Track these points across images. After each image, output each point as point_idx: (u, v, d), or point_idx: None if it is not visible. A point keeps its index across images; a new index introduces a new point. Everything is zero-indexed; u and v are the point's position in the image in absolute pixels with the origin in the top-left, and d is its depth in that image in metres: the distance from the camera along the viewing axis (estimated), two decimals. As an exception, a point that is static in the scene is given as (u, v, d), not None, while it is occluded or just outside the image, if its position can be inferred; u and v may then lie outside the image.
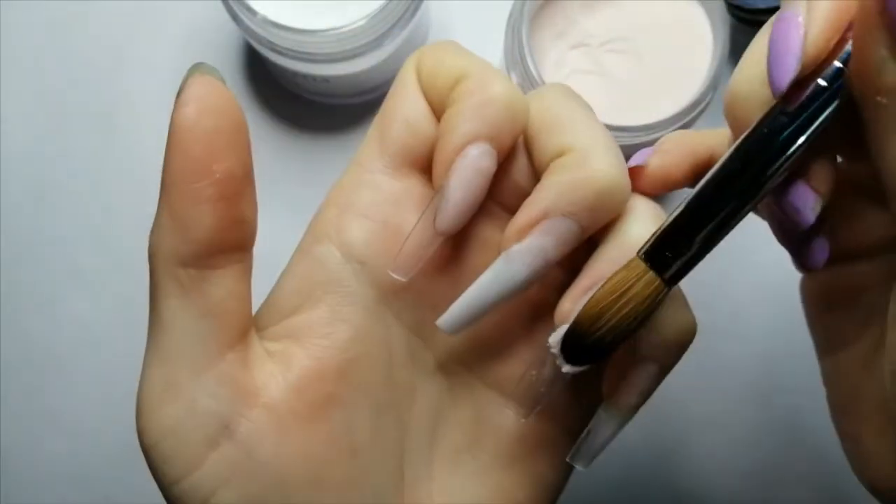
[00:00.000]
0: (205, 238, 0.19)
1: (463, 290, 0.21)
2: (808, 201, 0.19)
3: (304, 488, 0.20)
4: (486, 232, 0.22)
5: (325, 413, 0.21)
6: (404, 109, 0.21)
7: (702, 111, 0.34)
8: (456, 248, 0.22)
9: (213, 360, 0.20)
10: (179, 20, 0.41)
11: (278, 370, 0.21)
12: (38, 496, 0.39)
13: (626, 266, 0.19)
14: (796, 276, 0.41)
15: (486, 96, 0.20)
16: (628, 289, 0.19)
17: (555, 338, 0.20)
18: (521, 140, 0.21)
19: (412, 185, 0.22)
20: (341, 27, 0.33)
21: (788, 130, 0.18)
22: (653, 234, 0.19)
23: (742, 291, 0.40)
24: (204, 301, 0.20)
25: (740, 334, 0.40)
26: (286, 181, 0.40)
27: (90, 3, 0.41)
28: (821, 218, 0.19)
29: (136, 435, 0.21)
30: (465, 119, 0.20)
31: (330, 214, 0.22)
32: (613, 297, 0.19)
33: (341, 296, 0.21)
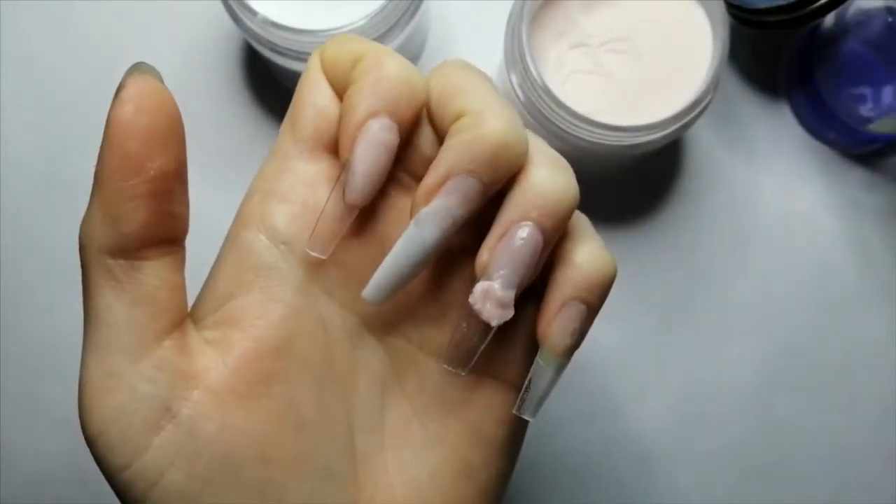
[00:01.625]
0: (135, 232, 0.20)
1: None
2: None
3: (253, 465, 0.21)
4: (402, 203, 0.23)
5: (266, 390, 0.21)
6: (311, 96, 0.22)
7: (702, 111, 0.34)
8: (376, 222, 0.23)
9: (149, 348, 0.21)
10: (179, 20, 0.41)
11: (217, 355, 0.21)
12: (38, 496, 0.39)
13: None
14: (796, 276, 0.42)
15: (380, 73, 0.21)
16: None
17: (477, 289, 0.21)
18: (425, 112, 0.22)
19: (325, 167, 0.22)
20: (341, 27, 0.33)
21: None
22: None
23: (742, 291, 0.40)
24: (136, 290, 0.21)
25: (740, 334, 0.40)
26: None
27: (90, 3, 0.41)
28: None
29: None
30: (363, 96, 0.21)
31: (253, 202, 0.22)
32: None
33: (271, 277, 0.22)
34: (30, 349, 0.40)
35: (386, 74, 0.21)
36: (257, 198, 0.22)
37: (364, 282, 0.22)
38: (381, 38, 0.34)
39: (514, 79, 0.35)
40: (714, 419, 0.40)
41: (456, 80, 0.21)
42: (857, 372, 0.40)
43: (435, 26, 0.41)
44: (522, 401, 0.22)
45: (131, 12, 0.41)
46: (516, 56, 0.34)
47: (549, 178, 0.21)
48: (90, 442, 0.21)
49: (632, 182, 0.40)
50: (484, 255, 0.21)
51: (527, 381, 0.22)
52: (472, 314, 0.21)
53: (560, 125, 0.34)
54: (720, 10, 0.35)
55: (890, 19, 0.37)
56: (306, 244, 0.22)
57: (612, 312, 0.30)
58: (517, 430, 0.24)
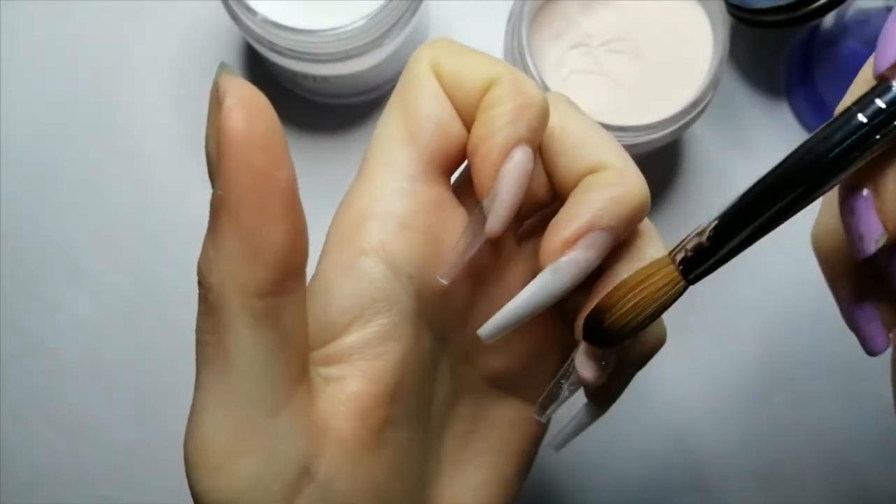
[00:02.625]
0: (281, 260, 0.18)
1: (479, 292, 0.22)
2: (873, 232, 0.20)
3: None
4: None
5: (383, 437, 0.20)
6: (435, 112, 0.21)
7: (702, 111, 0.34)
8: (477, 253, 0.22)
9: (287, 399, 0.19)
10: (179, 20, 0.41)
11: (338, 399, 0.20)
12: (38, 496, 0.39)
13: (654, 262, 0.20)
14: (796, 275, 0.42)
15: (523, 100, 0.20)
16: (647, 280, 0.20)
17: (579, 356, 0.21)
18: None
19: (443, 191, 0.22)
20: (341, 27, 0.33)
21: (840, 148, 0.19)
22: (684, 239, 0.20)
23: (742, 291, 0.40)
24: (277, 332, 0.18)
25: (740, 334, 0.40)
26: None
27: (90, 2, 0.41)
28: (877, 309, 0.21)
29: (135, 434, 0.20)
30: (509, 122, 0.20)
31: (371, 227, 0.20)
32: (633, 286, 0.20)
33: (392, 314, 0.20)
34: (30, 349, 0.40)
35: (530, 102, 0.20)
36: (375, 222, 0.20)
37: (455, 309, 0.22)
38: (381, 38, 0.34)
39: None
40: (714, 419, 0.40)
41: (578, 124, 0.21)
42: (857, 372, 0.40)
43: (435, 26, 0.41)
44: (559, 438, 0.24)
45: (131, 12, 0.41)
46: (516, 56, 0.34)
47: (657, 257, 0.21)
48: None
49: (632, 182, 0.40)
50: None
51: (570, 422, 0.24)
52: (572, 375, 0.22)
53: (560, 125, 0.34)
54: (720, 9, 0.35)
55: (890, 19, 0.37)
56: (438, 272, 0.21)
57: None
58: (539, 439, 0.25)
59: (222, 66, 0.18)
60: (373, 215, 0.21)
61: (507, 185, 0.20)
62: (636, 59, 0.36)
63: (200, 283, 0.18)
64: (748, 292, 0.40)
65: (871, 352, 0.23)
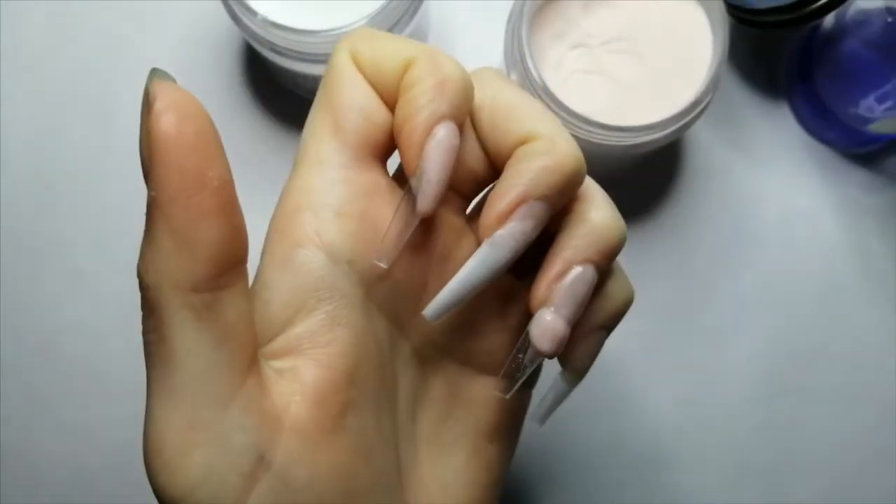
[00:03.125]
0: (215, 255, 0.18)
1: (432, 273, 0.22)
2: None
3: (339, 498, 0.20)
4: (444, 215, 0.22)
5: (344, 422, 0.20)
6: (356, 99, 0.21)
7: (702, 111, 0.34)
8: (422, 234, 0.22)
9: (236, 390, 0.19)
10: (179, 20, 0.41)
11: (293, 388, 0.20)
12: (37, 496, 0.39)
13: None
14: (796, 275, 0.42)
15: (442, 77, 0.20)
16: None
17: (537, 326, 0.21)
18: (468, 121, 0.22)
19: (378, 177, 0.22)
20: (341, 27, 0.33)
21: None
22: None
23: (742, 291, 0.40)
24: (218, 327, 0.19)
25: (740, 334, 0.40)
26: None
27: (90, 2, 0.41)
28: None
29: (135, 434, 0.20)
30: (429, 100, 0.20)
31: (304, 218, 0.21)
32: None
33: (335, 300, 0.21)
34: (30, 349, 0.40)
35: (449, 77, 0.20)
36: (308, 214, 0.21)
37: (409, 293, 0.22)
38: (381, 38, 0.34)
39: (514, 79, 0.35)
40: (714, 418, 0.40)
41: (508, 96, 0.21)
42: (857, 372, 0.40)
43: (435, 26, 0.41)
44: (539, 411, 0.24)
45: (131, 12, 0.41)
46: (516, 56, 0.34)
47: (608, 220, 0.21)
48: (174, 502, 0.19)
49: (632, 182, 0.40)
50: (542, 289, 0.21)
51: (547, 394, 0.24)
52: (529, 347, 0.21)
53: (560, 125, 0.34)
54: (720, 10, 0.35)
55: (890, 19, 0.37)
56: (373, 254, 0.21)
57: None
58: (518, 413, 0.25)
59: (153, 72, 0.19)
60: (306, 206, 0.21)
61: (432, 162, 0.20)
62: (636, 60, 0.36)
63: (140, 284, 0.19)
64: (749, 292, 0.40)
65: None
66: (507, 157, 0.21)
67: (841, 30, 0.38)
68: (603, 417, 0.40)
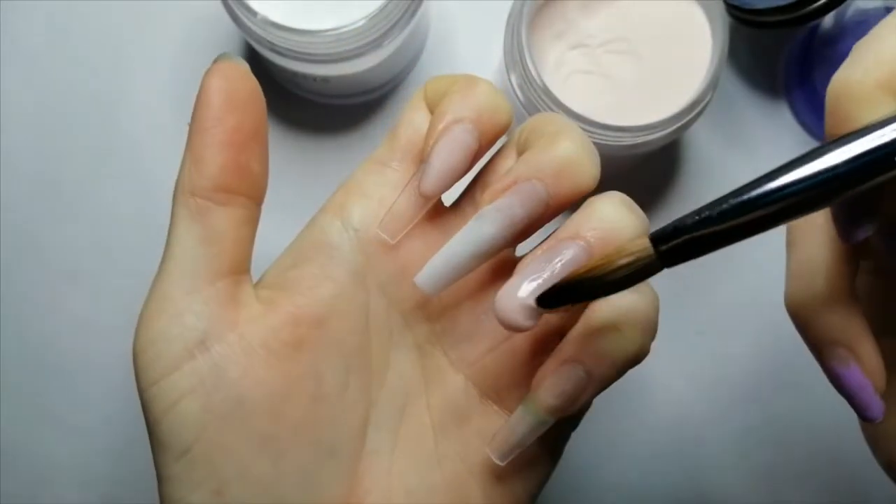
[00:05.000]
0: (214, 174, 0.22)
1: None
2: (867, 387, 0.22)
3: (262, 416, 0.22)
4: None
5: (295, 355, 0.23)
6: (410, 116, 0.24)
7: (701, 111, 0.34)
8: (445, 233, 0.24)
9: (204, 284, 0.22)
10: (179, 20, 0.41)
11: (261, 310, 0.23)
12: (37, 496, 0.39)
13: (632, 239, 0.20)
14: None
15: (469, 90, 0.23)
16: (619, 250, 0.19)
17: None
18: (515, 148, 0.24)
19: (410, 175, 0.24)
20: (341, 27, 0.33)
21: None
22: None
23: (742, 290, 0.40)
24: (205, 228, 0.22)
25: (740, 334, 0.40)
26: (285, 181, 0.40)
27: (90, 2, 0.41)
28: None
29: (135, 434, 0.21)
30: (451, 105, 0.23)
31: (338, 194, 0.24)
32: (606, 254, 0.19)
33: (331, 256, 0.23)
34: (30, 349, 0.40)
35: (475, 90, 0.23)
36: (342, 192, 0.24)
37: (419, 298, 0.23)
38: (381, 39, 0.34)
39: (513, 79, 0.35)
40: (714, 417, 0.40)
41: (549, 117, 0.23)
42: (856, 372, 0.40)
43: (435, 26, 0.41)
44: (494, 439, 0.22)
45: (131, 12, 0.41)
46: (516, 56, 0.34)
47: (613, 213, 0.21)
48: (133, 356, 0.22)
49: (632, 182, 0.40)
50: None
51: (504, 423, 0.22)
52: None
53: (560, 125, 0.34)
54: (720, 10, 0.35)
55: (889, 19, 0.36)
56: (378, 225, 0.23)
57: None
58: (540, 485, 0.24)
59: (222, 54, 0.23)
60: (343, 189, 0.24)
61: (438, 150, 0.22)
62: (636, 60, 0.36)
63: None
64: (749, 291, 0.40)
65: (869, 419, 0.23)
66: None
67: (840, 30, 0.38)
68: (602, 417, 0.40)
